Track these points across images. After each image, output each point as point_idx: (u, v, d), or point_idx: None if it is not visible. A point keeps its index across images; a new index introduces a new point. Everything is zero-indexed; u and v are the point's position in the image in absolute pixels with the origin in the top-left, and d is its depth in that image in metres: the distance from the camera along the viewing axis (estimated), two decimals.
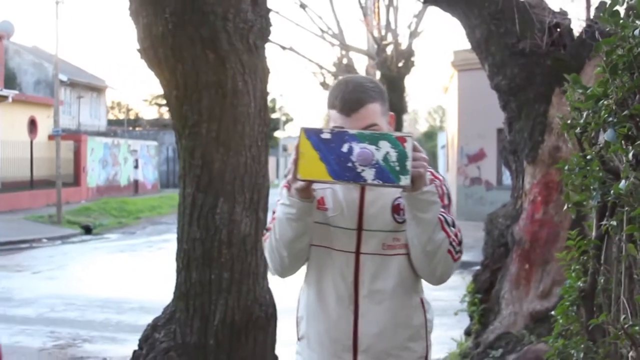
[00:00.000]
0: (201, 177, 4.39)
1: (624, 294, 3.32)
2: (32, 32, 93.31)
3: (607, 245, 3.68)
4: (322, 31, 19.41)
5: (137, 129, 52.51)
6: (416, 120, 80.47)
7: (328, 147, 2.45)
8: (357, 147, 2.43)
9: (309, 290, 2.92)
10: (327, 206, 2.80)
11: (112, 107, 62.84)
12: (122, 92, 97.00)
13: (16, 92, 30.73)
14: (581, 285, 4.05)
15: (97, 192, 34.93)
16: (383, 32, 20.37)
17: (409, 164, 2.43)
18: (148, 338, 4.64)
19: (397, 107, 19.57)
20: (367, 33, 20.82)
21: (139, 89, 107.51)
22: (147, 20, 4.35)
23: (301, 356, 2.97)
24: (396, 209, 2.76)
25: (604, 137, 2.61)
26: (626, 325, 3.25)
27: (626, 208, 2.91)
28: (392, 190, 2.70)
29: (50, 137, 32.01)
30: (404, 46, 20.54)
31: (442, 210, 2.73)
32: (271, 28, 4.67)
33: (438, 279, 2.82)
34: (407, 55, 20.58)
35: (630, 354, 3.30)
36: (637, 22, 2.35)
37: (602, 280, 3.78)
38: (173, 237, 17.81)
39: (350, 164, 2.43)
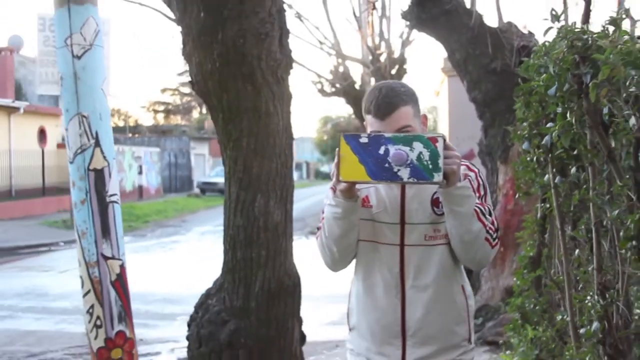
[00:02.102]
0: (242, 179, 5.73)
1: (557, 257, 4.61)
2: (34, 43, 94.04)
3: (551, 223, 4.99)
4: (321, 42, 20.57)
5: (135, 135, 53.44)
6: None
7: (366, 151, 2.64)
8: (392, 149, 2.62)
9: (358, 283, 3.11)
10: (371, 204, 2.99)
11: (112, 115, 63.77)
12: (121, 100, 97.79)
13: (27, 103, 31.86)
14: (531, 254, 5.39)
15: None
16: (377, 42, 21.38)
17: (440, 162, 2.61)
18: (202, 304, 5.99)
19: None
20: (361, 43, 21.83)
21: (137, 96, 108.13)
22: (198, 60, 5.68)
23: (353, 345, 3.17)
24: (435, 203, 2.93)
25: (522, 146, 3.97)
26: (554, 277, 4.59)
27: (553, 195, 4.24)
28: (431, 186, 2.84)
29: (60, 146, 33.23)
30: (396, 54, 21.61)
31: (478, 201, 2.90)
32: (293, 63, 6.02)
33: (478, 264, 3.06)
34: (399, 63, 21.70)
35: (558, 296, 4.62)
36: (543, 73, 3.70)
37: (545, 250, 5.11)
38: (182, 238, 19.56)
39: (387, 165, 2.62)
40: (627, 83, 2.63)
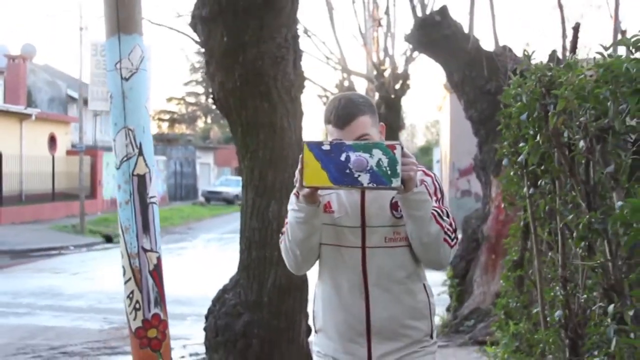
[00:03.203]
0: (258, 187, 6.39)
1: (537, 260, 5.24)
2: (42, 50, 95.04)
3: (535, 231, 5.64)
4: (327, 57, 21.15)
5: None
6: (414, 134, 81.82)
7: (328, 157, 2.74)
8: (353, 156, 2.72)
9: (323, 285, 3.20)
10: (333, 209, 3.08)
11: None
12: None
13: (38, 110, 32.55)
14: (515, 258, 6.03)
15: (112, 204, 36.69)
16: (381, 58, 21.84)
17: (399, 168, 2.72)
18: (219, 298, 6.64)
19: (395, 124, 21.17)
20: (366, 58, 22.32)
21: None
22: (221, 79, 6.33)
23: (319, 347, 3.24)
24: (394, 206, 3.02)
25: (503, 162, 4.63)
26: (532, 277, 5.23)
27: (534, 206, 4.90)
28: (389, 191, 2.91)
29: (69, 152, 33.95)
30: (400, 70, 22.10)
31: (435, 205, 2.99)
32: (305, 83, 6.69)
33: (438, 265, 3.10)
34: (403, 79, 22.22)
35: (535, 293, 5.23)
36: (522, 99, 4.36)
37: (527, 254, 5.76)
38: (188, 244, 20.39)
39: (348, 171, 2.72)
40: (580, 113, 3.29)
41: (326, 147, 2.75)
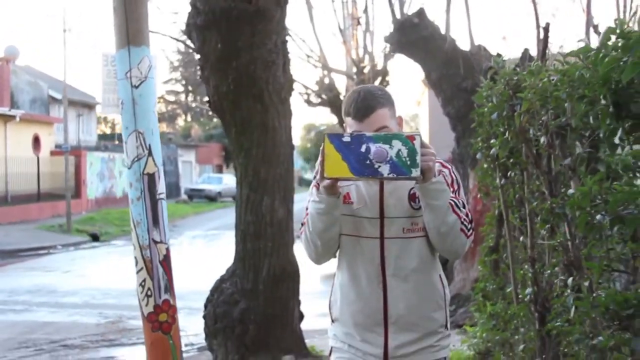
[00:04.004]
0: (252, 183, 6.87)
1: (509, 244, 5.73)
2: (23, 51, 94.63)
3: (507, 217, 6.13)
4: (308, 56, 21.59)
5: (117, 143, 54.13)
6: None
7: (349, 149, 2.74)
8: (373, 147, 2.72)
9: (342, 275, 3.21)
10: (352, 200, 3.09)
11: (99, 122, 64.53)
12: (107, 108, 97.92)
13: (22, 111, 32.80)
14: (491, 244, 6.52)
15: (96, 203, 37.06)
16: (361, 55, 22.07)
17: (418, 158, 2.72)
18: (217, 288, 7.12)
19: None
20: (346, 56, 22.69)
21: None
22: (215, 83, 6.80)
23: (336, 336, 3.26)
24: (412, 198, 3.04)
25: (477, 156, 5.13)
26: (506, 260, 5.72)
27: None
28: (408, 181, 2.95)
29: (53, 153, 34.25)
30: (379, 67, 22.48)
31: (452, 195, 3.02)
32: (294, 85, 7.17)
33: (454, 254, 3.16)
34: (382, 75, 22.61)
35: (509, 275, 5.71)
36: (493, 100, 4.85)
37: (502, 240, 6.25)
38: (174, 242, 20.91)
39: (368, 162, 2.72)
40: (542, 112, 3.79)
41: (346, 138, 2.76)
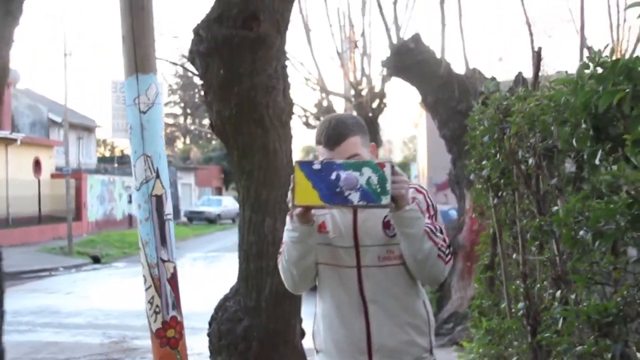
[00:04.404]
0: (254, 204, 7.07)
1: (503, 261, 5.95)
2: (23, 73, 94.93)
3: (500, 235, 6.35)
4: (306, 79, 21.87)
5: (122, 166, 54.29)
6: (391, 151, 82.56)
7: (319, 176, 2.74)
8: (343, 174, 2.72)
9: (323, 304, 3.21)
10: (328, 229, 3.10)
11: (98, 145, 64.78)
12: (106, 130, 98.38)
13: (23, 135, 33.07)
14: (486, 262, 6.74)
15: (96, 225, 37.27)
16: (358, 77, 22.17)
17: (388, 185, 2.72)
18: (221, 306, 7.31)
19: (372, 142, 21.83)
20: (344, 78, 22.95)
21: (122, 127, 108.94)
22: (218, 108, 7.02)
23: None
24: (387, 225, 3.03)
25: (470, 177, 5.36)
26: (500, 277, 5.93)
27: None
28: (381, 209, 2.92)
29: (53, 176, 34.52)
30: (377, 89, 22.72)
31: (428, 221, 3.00)
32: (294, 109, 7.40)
33: (433, 281, 3.16)
34: (380, 97, 22.84)
35: (505, 289, 5.92)
36: (484, 123, 5.08)
37: (497, 258, 6.47)
38: (176, 263, 20.92)
39: (338, 190, 2.72)
40: (530, 135, 4.02)
41: (317, 166, 2.76)
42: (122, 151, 66.59)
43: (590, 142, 3.03)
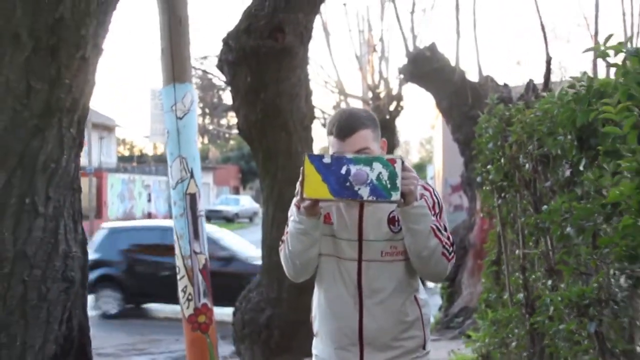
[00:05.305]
0: (277, 203, 7.60)
1: (506, 256, 6.42)
2: None
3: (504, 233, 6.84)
4: (325, 82, 22.25)
5: (141, 164, 54.57)
6: (408, 152, 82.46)
7: (329, 170, 2.72)
8: (353, 169, 2.69)
9: (320, 293, 3.23)
10: (332, 221, 3.08)
11: (118, 144, 65.29)
12: (126, 130, 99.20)
13: None
14: (493, 258, 7.21)
15: None
16: (376, 80, 22.41)
17: (398, 182, 2.70)
18: (245, 297, 7.85)
19: (390, 144, 21.76)
20: (362, 81, 23.26)
21: (140, 126, 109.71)
22: (245, 112, 7.57)
23: (317, 350, 3.30)
24: (392, 221, 3.02)
25: (477, 179, 5.86)
26: (505, 272, 6.41)
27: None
28: (388, 205, 2.92)
29: None
30: (394, 92, 22.96)
31: (434, 218, 2.99)
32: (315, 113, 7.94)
33: (436, 277, 3.20)
34: (397, 100, 23.09)
35: (507, 281, 6.38)
36: (489, 131, 5.58)
37: (503, 255, 6.95)
38: None
39: (348, 184, 2.70)
40: (528, 143, 4.52)
41: (327, 160, 2.74)
42: (140, 150, 67.21)
43: (576, 151, 3.49)
